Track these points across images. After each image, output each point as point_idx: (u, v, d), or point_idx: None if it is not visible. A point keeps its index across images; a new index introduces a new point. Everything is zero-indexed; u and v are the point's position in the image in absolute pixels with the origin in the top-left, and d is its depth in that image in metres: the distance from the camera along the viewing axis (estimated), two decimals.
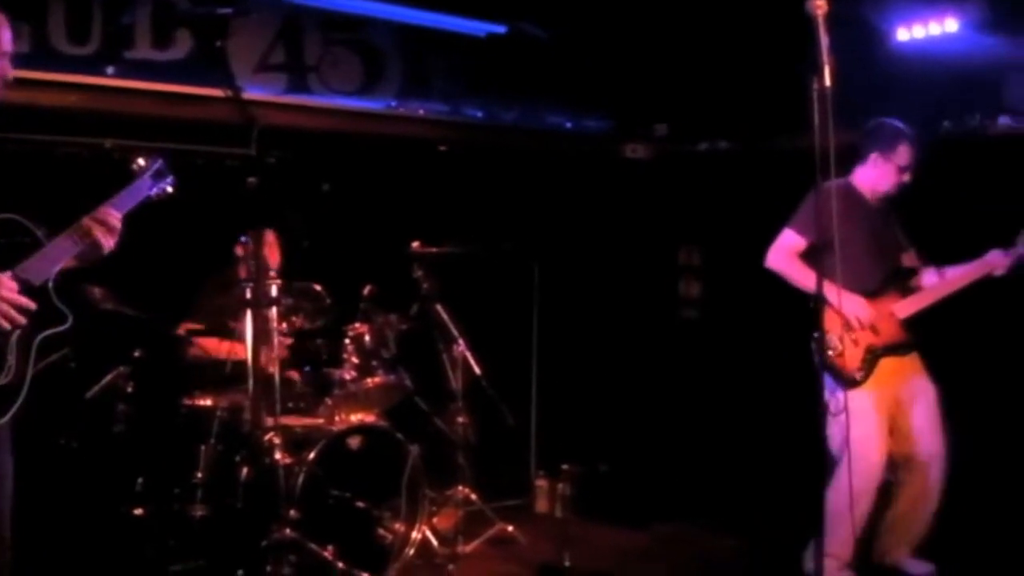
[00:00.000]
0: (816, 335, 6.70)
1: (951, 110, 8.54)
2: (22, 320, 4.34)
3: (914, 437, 7.00)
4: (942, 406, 7.06)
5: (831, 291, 6.25)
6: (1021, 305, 7.60)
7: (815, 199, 6.64)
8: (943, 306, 7.02)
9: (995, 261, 6.93)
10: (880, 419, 6.84)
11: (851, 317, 6.76)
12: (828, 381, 6.53)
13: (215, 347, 7.73)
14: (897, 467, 7.04)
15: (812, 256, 6.78)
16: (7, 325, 4.29)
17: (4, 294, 4.26)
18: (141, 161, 5.21)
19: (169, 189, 5.27)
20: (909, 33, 8.94)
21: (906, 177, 7.03)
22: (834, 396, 6.37)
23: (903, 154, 6.98)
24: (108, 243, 4.76)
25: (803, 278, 6.85)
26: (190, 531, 6.96)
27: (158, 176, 5.21)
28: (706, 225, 10.78)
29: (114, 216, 4.78)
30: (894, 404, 6.97)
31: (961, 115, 8.27)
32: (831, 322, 6.69)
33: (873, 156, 7.03)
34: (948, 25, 8.69)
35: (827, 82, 4.90)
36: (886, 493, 7.07)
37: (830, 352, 6.69)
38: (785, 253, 7.00)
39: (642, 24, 9.94)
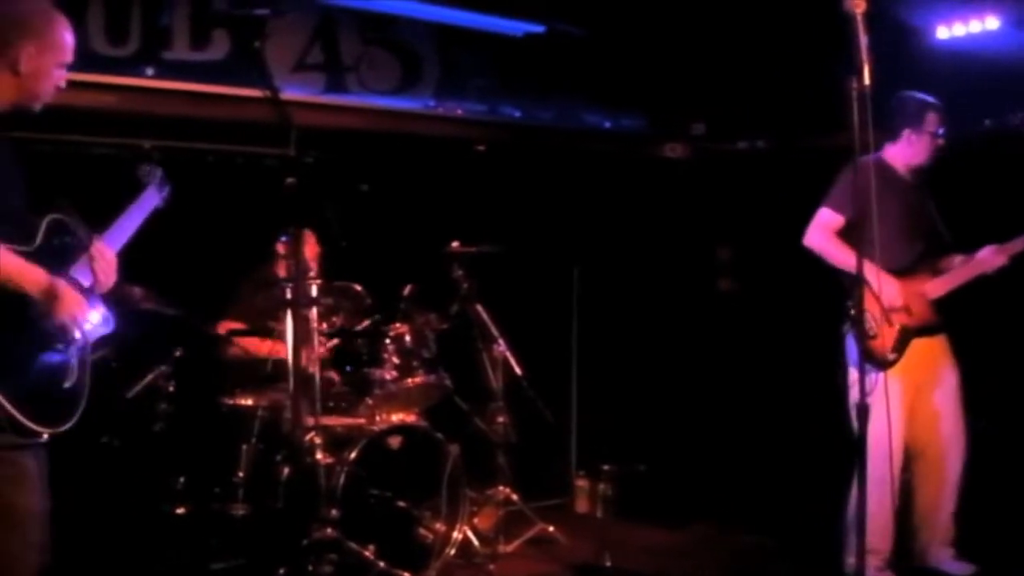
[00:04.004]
0: (853, 314, 6.67)
1: (991, 108, 8.48)
2: (84, 329, 4.35)
3: (932, 423, 6.95)
4: (962, 392, 7.02)
5: (870, 270, 6.20)
6: None
7: (850, 176, 6.69)
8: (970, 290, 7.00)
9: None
10: (905, 407, 6.80)
11: (887, 301, 6.73)
12: (856, 364, 6.47)
13: (256, 346, 7.74)
14: (914, 459, 7.00)
15: (849, 234, 6.79)
16: (72, 334, 4.28)
17: (76, 310, 4.25)
18: (146, 170, 5.19)
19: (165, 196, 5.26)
20: (949, 31, 8.89)
21: (941, 142, 7.00)
22: (867, 379, 6.35)
23: (932, 122, 6.97)
24: (107, 279, 4.65)
25: (841, 256, 6.82)
26: (231, 530, 7.00)
27: (161, 186, 5.21)
28: (745, 224, 10.74)
29: (110, 254, 4.69)
30: (917, 390, 6.92)
31: (1002, 113, 8.20)
32: (868, 303, 6.63)
33: (905, 132, 7.00)
34: (989, 23, 8.65)
35: (866, 81, 4.88)
36: (907, 490, 7.02)
37: (868, 332, 6.65)
38: (823, 231, 6.96)
39: (679, 22, 9.90)
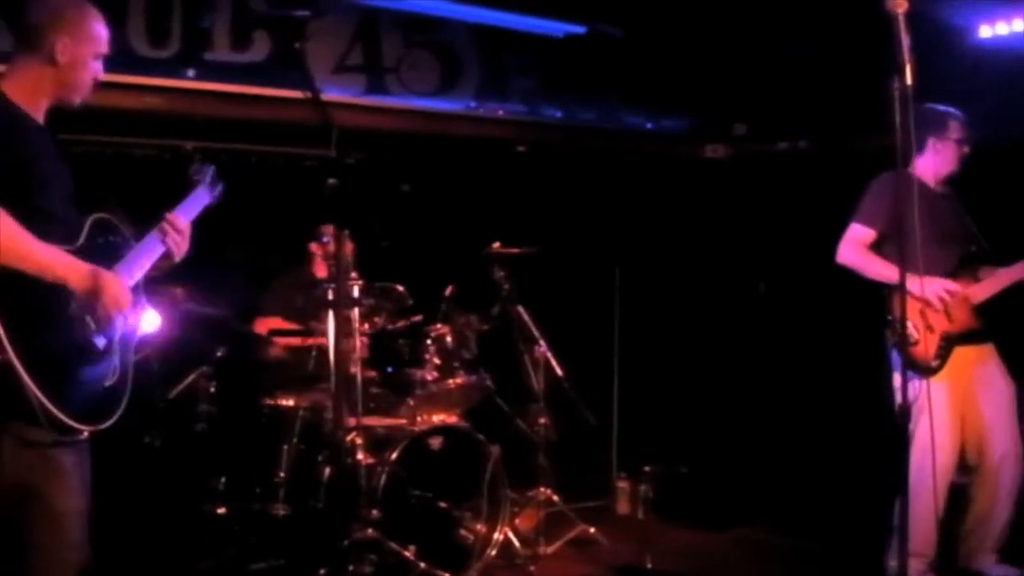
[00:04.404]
0: (894, 323, 6.63)
1: None
2: (126, 320, 4.36)
3: (985, 433, 6.87)
4: (1016, 403, 6.95)
5: (910, 277, 6.16)
6: None
7: (878, 189, 6.73)
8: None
9: None
10: (953, 413, 6.74)
11: (935, 297, 6.68)
12: (899, 370, 6.44)
13: (298, 344, 7.78)
14: (969, 468, 6.94)
15: (880, 247, 6.79)
16: (115, 322, 4.29)
17: (119, 297, 4.26)
18: (196, 168, 5.23)
19: (216, 194, 5.29)
20: (992, 30, 8.83)
21: (966, 149, 6.99)
22: (912, 385, 6.29)
23: (956, 129, 6.96)
24: (180, 250, 4.78)
25: (877, 268, 6.78)
26: (272, 530, 7.02)
27: (213, 183, 5.24)
28: (786, 224, 10.69)
29: (185, 225, 4.81)
30: (965, 398, 6.86)
31: None
32: (909, 311, 6.58)
33: (930, 142, 6.96)
34: None
35: (908, 81, 4.84)
36: (964, 496, 6.97)
37: (909, 338, 6.60)
38: (855, 246, 6.93)
39: (720, 23, 9.88)
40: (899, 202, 5.81)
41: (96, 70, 4.52)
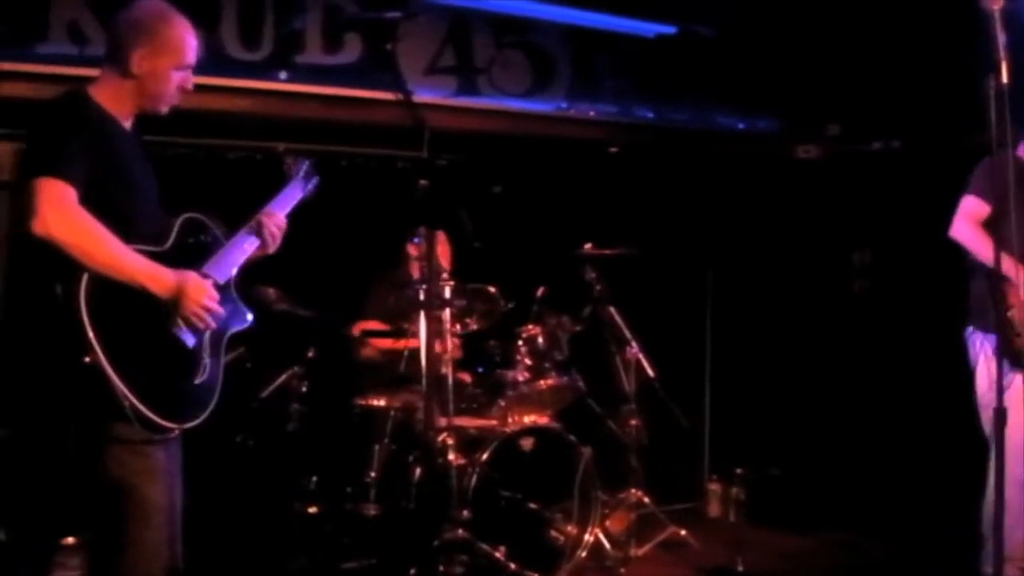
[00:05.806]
0: (1000, 313, 6.46)
1: None
2: (213, 325, 4.38)
3: None
4: None
5: (1010, 265, 6.01)
6: None
7: (990, 165, 6.48)
8: None
9: None
10: None
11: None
12: (984, 373, 6.35)
13: (390, 346, 7.79)
14: None
15: (988, 228, 6.58)
16: (203, 326, 4.33)
17: (204, 299, 4.29)
18: (291, 161, 5.27)
19: (310, 188, 5.32)
20: None
21: None
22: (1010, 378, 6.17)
23: None
24: (274, 244, 4.83)
25: (989, 252, 6.57)
26: (363, 530, 7.05)
27: (308, 177, 5.26)
28: (880, 226, 10.59)
29: (280, 218, 4.85)
30: None
31: None
32: (1012, 300, 6.41)
33: None
34: None
35: (1004, 79, 4.78)
36: None
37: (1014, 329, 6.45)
38: (969, 220, 6.65)
39: (813, 23, 9.80)
40: (1004, 183, 5.68)
41: (180, 80, 4.51)
